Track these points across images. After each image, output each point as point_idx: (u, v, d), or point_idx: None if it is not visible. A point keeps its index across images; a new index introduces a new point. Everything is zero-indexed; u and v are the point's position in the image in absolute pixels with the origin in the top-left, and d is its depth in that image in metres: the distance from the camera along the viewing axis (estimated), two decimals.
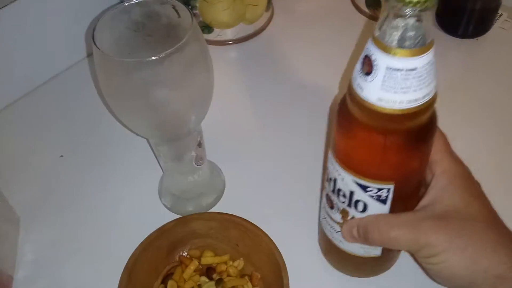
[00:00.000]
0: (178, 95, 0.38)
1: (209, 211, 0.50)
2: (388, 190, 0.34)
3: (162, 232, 0.44)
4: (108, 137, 0.58)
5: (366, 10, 0.69)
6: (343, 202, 0.37)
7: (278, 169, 0.53)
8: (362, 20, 0.70)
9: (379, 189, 0.34)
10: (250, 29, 0.67)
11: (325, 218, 0.41)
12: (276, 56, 0.66)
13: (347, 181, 0.35)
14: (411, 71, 0.28)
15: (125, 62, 0.35)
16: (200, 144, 0.46)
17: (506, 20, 0.66)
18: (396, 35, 0.28)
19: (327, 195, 0.39)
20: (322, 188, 0.40)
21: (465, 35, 0.65)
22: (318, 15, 0.72)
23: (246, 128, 0.58)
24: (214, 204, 0.50)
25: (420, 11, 0.27)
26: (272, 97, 0.61)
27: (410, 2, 0.27)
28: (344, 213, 0.38)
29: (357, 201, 0.36)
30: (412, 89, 0.29)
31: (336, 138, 0.35)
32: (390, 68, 0.28)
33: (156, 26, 0.39)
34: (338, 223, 0.39)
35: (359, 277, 0.45)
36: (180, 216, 0.46)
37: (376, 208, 0.35)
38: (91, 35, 0.35)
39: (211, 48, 0.66)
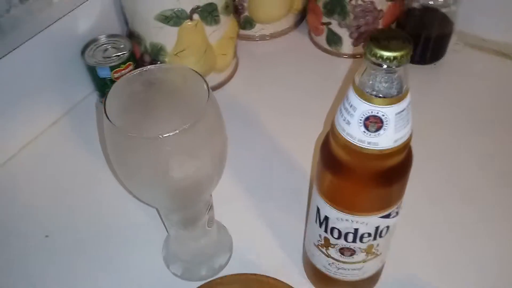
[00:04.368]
0: (199, 164, 0.37)
1: (231, 274, 0.48)
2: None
3: None
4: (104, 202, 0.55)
5: (327, 47, 0.72)
6: (367, 241, 0.39)
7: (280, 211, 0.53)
8: (323, 56, 0.72)
9: (397, 207, 0.37)
10: (221, 77, 0.67)
11: (331, 264, 0.42)
12: (249, 100, 0.66)
13: (371, 221, 0.37)
14: (408, 105, 0.31)
15: (141, 138, 0.33)
16: (211, 205, 0.44)
17: (456, 43, 0.71)
18: (390, 86, 0.30)
19: (344, 248, 0.40)
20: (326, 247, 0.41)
21: (423, 61, 0.69)
22: (281, 56, 0.73)
23: (237, 177, 0.57)
24: (226, 264, 0.49)
25: (397, 66, 0.29)
26: (253, 142, 0.61)
27: (388, 59, 0.29)
28: (369, 249, 0.40)
29: (381, 231, 0.38)
30: (410, 119, 0.32)
31: (368, 193, 0.36)
32: (397, 113, 0.31)
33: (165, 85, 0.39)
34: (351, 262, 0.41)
35: None
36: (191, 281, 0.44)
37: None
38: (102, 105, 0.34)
39: None
